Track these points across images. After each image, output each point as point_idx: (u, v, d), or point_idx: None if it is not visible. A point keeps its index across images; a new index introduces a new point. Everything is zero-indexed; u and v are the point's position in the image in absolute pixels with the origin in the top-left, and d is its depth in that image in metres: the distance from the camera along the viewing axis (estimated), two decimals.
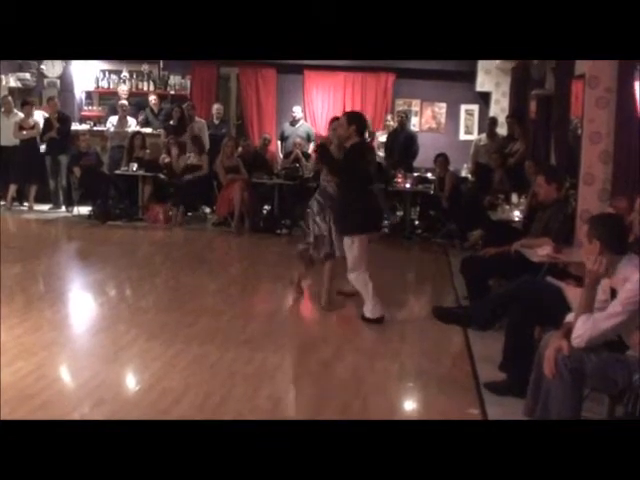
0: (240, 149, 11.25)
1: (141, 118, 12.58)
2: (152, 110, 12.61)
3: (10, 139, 11.62)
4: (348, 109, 13.35)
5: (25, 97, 12.74)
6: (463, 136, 13.26)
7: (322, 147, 6.26)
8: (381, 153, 12.13)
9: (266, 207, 11.24)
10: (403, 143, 11.59)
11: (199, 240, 9.96)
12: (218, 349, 5.12)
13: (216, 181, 10.89)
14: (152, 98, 12.64)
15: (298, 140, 11.85)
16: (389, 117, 12.59)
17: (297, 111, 12.40)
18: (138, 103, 12.96)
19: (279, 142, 12.68)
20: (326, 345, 5.42)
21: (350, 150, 6.02)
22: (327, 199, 6.36)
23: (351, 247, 6.06)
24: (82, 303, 6.60)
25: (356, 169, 6.00)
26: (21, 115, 11.77)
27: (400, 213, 11.09)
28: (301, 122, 12.49)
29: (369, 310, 6.09)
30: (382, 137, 12.30)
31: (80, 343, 5.34)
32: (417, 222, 10.85)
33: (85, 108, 13.61)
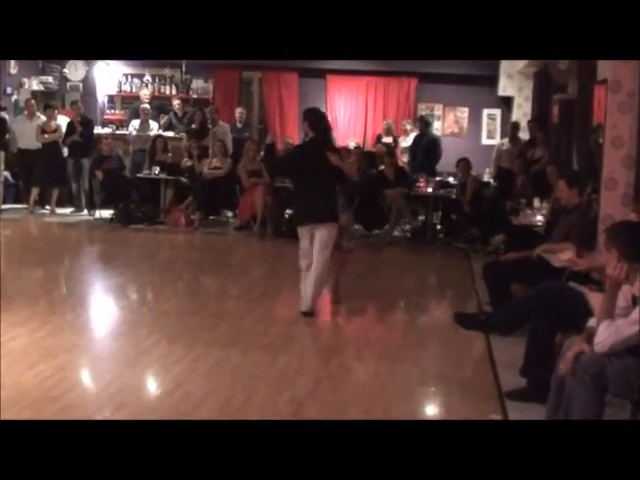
0: (262, 153, 11.25)
1: (164, 121, 12.69)
2: (176, 114, 12.70)
3: (33, 142, 11.71)
4: (370, 114, 13.42)
5: (48, 100, 12.88)
6: (485, 140, 13.23)
7: (268, 146, 6.60)
8: (405, 158, 12.16)
9: (289, 211, 11.27)
10: (426, 147, 11.60)
11: (221, 244, 10.01)
12: (239, 353, 5.14)
13: (238, 185, 10.93)
14: (176, 102, 12.73)
15: None
16: (408, 122, 12.58)
17: None
18: (160, 107, 13.07)
19: None
20: (347, 349, 5.43)
21: (296, 147, 6.81)
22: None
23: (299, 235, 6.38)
24: (104, 307, 6.66)
25: (298, 163, 6.37)
26: (44, 118, 11.86)
27: (422, 217, 11.07)
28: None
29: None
30: (405, 142, 12.32)
31: (101, 347, 5.39)
32: (439, 226, 10.82)
33: (108, 112, 13.75)
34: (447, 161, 11.45)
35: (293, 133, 13.16)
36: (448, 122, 13.45)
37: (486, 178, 11.54)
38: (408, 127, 12.43)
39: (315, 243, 6.22)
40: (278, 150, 11.68)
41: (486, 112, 13.24)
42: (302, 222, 6.38)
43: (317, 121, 6.47)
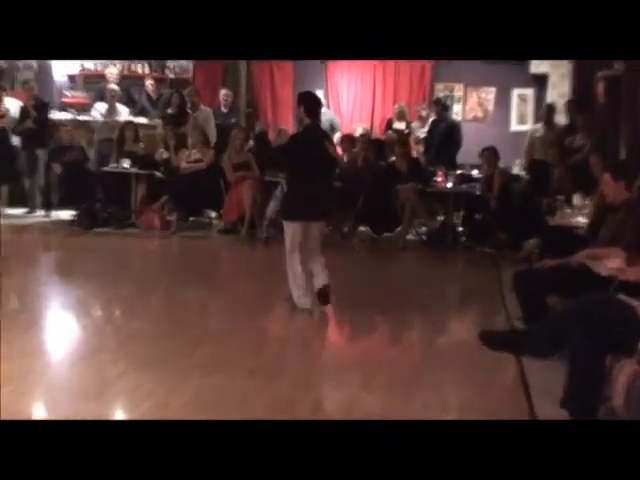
0: (251, 142, 11.23)
1: (134, 106, 12.66)
2: (148, 96, 12.69)
3: None
4: (379, 96, 13.41)
5: None
6: (515, 126, 13.25)
7: (260, 134, 6.85)
8: (420, 148, 12.15)
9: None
10: (444, 135, 11.60)
11: (202, 250, 9.97)
12: (224, 381, 5.08)
13: (223, 180, 10.90)
14: (148, 82, 12.72)
15: None
16: (423, 107, 12.56)
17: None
18: (130, 88, 13.04)
19: None
20: (353, 374, 5.36)
21: (294, 135, 7.19)
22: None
23: (285, 231, 6.85)
24: (62, 326, 6.60)
25: (296, 154, 6.73)
26: None
27: (440, 218, 11.05)
28: (323, 110, 12.41)
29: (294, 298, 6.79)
30: (420, 129, 12.30)
31: (58, 374, 5.32)
32: (460, 228, 10.81)
33: (67, 94, 13.73)
34: (470, 151, 11.44)
35: (287, 119, 13.17)
36: (471, 105, 13.45)
37: (516, 170, 11.53)
38: (423, 113, 12.42)
39: (309, 239, 6.75)
40: (270, 139, 11.66)
41: (516, 92, 13.26)
42: (298, 217, 6.73)
43: (314, 106, 6.79)
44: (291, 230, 6.77)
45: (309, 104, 6.77)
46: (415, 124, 12.50)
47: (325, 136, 7.17)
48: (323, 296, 6.87)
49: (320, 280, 6.87)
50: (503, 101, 13.30)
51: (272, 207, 9.97)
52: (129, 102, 12.77)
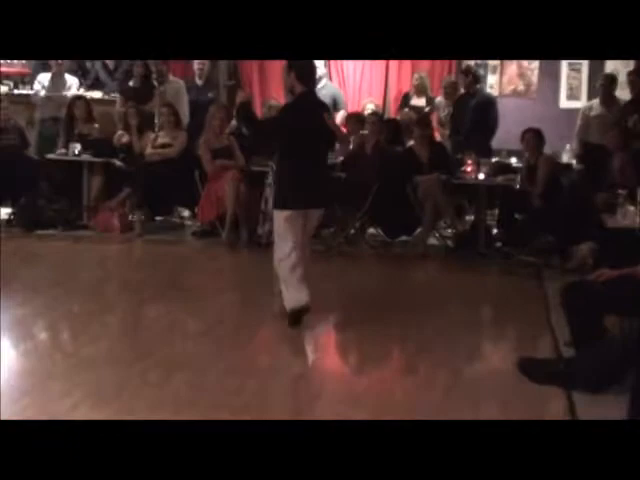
0: (233, 123, 11.25)
1: (87, 76, 12.72)
2: (105, 65, 12.73)
3: None
4: (393, 65, 13.46)
5: None
6: (565, 103, 13.30)
7: (242, 105, 7.33)
8: (446, 130, 12.17)
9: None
10: (475, 113, 11.59)
11: (174, 257, 10.01)
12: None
13: (199, 170, 10.93)
14: None
15: None
16: (451, 79, 12.55)
17: (318, 66, 12.42)
18: None
19: None
20: (359, 410, 5.41)
21: (286, 106, 7.27)
22: None
23: (279, 223, 7.06)
24: None
25: (290, 129, 6.91)
26: None
27: (470, 217, 11.09)
28: (324, 82, 12.56)
29: (285, 299, 7.06)
30: (445, 107, 12.32)
31: None
32: (496, 231, 10.84)
33: (1, 62, 13.75)
34: (507, 133, 11.49)
35: (278, 93, 13.19)
36: (509, 76, 13.50)
37: (566, 158, 11.57)
38: (448, 90, 12.37)
39: (307, 228, 7.10)
40: (255, 113, 11.72)
41: (566, 61, 13.26)
42: (297, 205, 6.92)
43: (307, 70, 7.04)
44: (288, 223, 6.93)
45: (300, 68, 6.94)
46: (440, 100, 12.54)
47: (322, 106, 7.36)
48: (295, 318, 7.05)
49: (300, 295, 7.04)
50: (550, 71, 13.34)
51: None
52: (80, 72, 12.82)
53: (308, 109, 6.99)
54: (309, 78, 7.08)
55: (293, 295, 7.02)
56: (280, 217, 6.99)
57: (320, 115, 7.05)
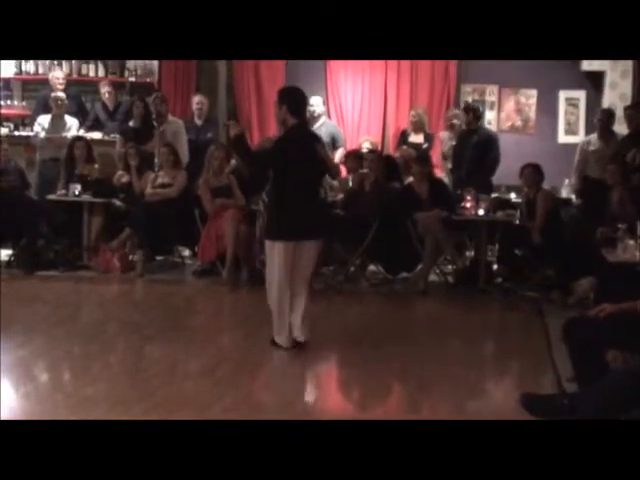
0: (233, 162, 11.27)
1: (86, 117, 12.76)
2: (104, 105, 12.78)
3: None
4: (391, 101, 13.50)
5: None
6: (563, 138, 13.33)
7: (237, 137, 7.33)
8: (448, 165, 12.18)
9: None
10: (476, 151, 11.58)
11: (174, 297, 9.99)
12: None
13: (199, 209, 10.95)
14: (105, 89, 12.81)
15: None
16: (455, 111, 12.59)
17: (316, 104, 12.51)
18: (81, 96, 13.14)
19: None
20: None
21: (279, 138, 7.41)
22: None
23: (269, 253, 7.32)
24: None
25: (283, 160, 7.13)
26: None
27: (470, 253, 11.08)
28: (322, 120, 12.61)
29: (274, 330, 7.41)
30: (448, 141, 12.34)
31: None
32: (496, 267, 10.84)
33: (1, 103, 13.81)
34: (506, 169, 11.50)
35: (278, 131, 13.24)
36: (507, 111, 13.55)
37: (565, 193, 11.59)
38: (456, 121, 12.41)
39: (301, 261, 7.25)
40: (249, 145, 11.76)
41: (564, 95, 13.34)
42: (287, 236, 7.11)
43: (299, 103, 7.30)
44: (279, 253, 7.12)
45: (292, 101, 7.18)
46: (444, 134, 12.58)
47: (314, 137, 7.57)
48: (274, 344, 7.35)
49: (297, 332, 7.29)
50: (548, 106, 13.39)
51: None
52: (79, 113, 12.86)
53: (300, 141, 7.16)
54: (301, 111, 7.30)
55: (275, 327, 7.40)
56: (270, 247, 7.20)
57: (312, 146, 7.23)
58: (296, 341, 7.41)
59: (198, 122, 12.43)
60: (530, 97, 13.45)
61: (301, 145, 7.15)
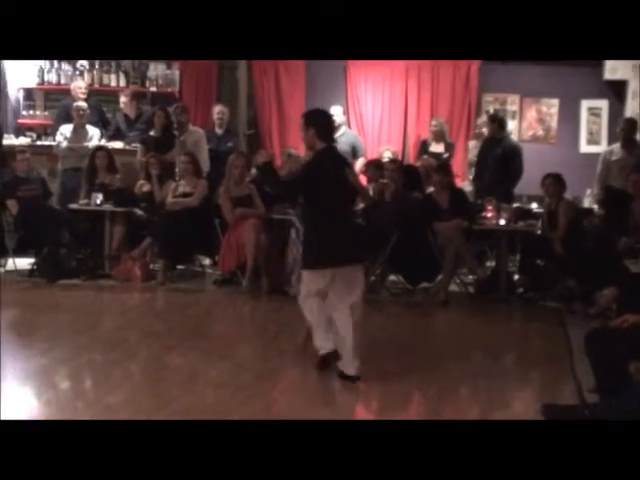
0: (253, 171, 11.31)
1: (108, 127, 12.82)
2: (126, 116, 12.83)
3: None
4: (412, 110, 13.50)
5: None
6: (585, 147, 13.30)
7: (265, 165, 7.16)
8: (471, 175, 12.17)
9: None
10: (499, 162, 11.57)
11: (195, 306, 10.00)
12: None
13: (219, 219, 10.97)
14: (125, 99, 12.86)
15: None
16: (482, 119, 12.59)
17: (337, 113, 12.54)
18: (102, 105, 13.20)
19: None
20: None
21: (308, 164, 7.22)
22: None
23: (305, 280, 7.20)
24: (20, 400, 6.65)
25: (314, 187, 6.96)
26: None
27: (491, 264, 11.06)
28: (343, 129, 12.64)
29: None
30: (474, 153, 12.33)
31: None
32: (517, 277, 10.82)
33: (24, 113, 13.89)
34: (528, 179, 11.48)
35: (298, 141, 13.24)
36: (528, 121, 13.53)
37: (587, 203, 11.56)
38: (484, 129, 12.41)
39: (343, 287, 7.01)
40: (277, 170, 11.76)
41: (586, 105, 13.30)
42: (325, 265, 6.97)
43: (327, 126, 7.13)
44: (315, 280, 7.07)
45: (320, 125, 7.01)
46: (472, 143, 12.60)
47: (344, 161, 7.43)
48: (321, 363, 7.16)
49: (347, 365, 7.05)
50: (570, 116, 13.36)
51: (294, 254, 10.04)
52: (101, 123, 12.93)
53: (330, 166, 7.01)
54: (329, 134, 7.11)
55: (317, 341, 7.18)
56: (308, 276, 7.14)
57: (343, 171, 7.11)
58: (345, 375, 7.03)
59: (219, 131, 12.47)
60: (552, 106, 13.43)
61: (332, 170, 7.00)
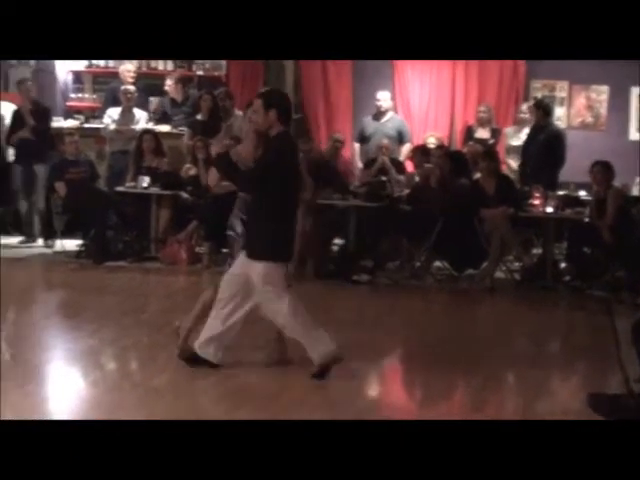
0: (300, 156, 11.35)
1: (154, 110, 12.87)
2: (173, 99, 12.87)
3: None
4: (459, 97, 13.44)
5: None
6: (635, 135, 13.17)
7: (220, 157, 6.85)
8: (513, 162, 12.10)
9: (338, 241, 11.30)
10: (542, 148, 11.51)
11: None
12: None
13: None
14: (170, 82, 12.90)
15: (385, 142, 11.96)
16: (524, 107, 12.53)
17: (384, 99, 12.52)
18: (150, 88, 13.25)
19: (357, 145, 12.79)
20: None
21: (268, 150, 6.47)
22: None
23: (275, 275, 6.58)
24: (67, 381, 6.71)
25: (274, 175, 6.41)
26: None
27: (538, 251, 11.01)
28: (390, 115, 12.62)
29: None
30: (514, 138, 12.26)
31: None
32: (564, 265, 10.77)
33: (72, 96, 13.98)
34: (576, 166, 11.39)
35: (344, 126, 13.27)
36: (577, 108, 13.43)
37: (636, 191, 11.47)
38: (525, 115, 12.35)
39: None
40: (323, 154, 11.80)
41: (636, 92, 13.17)
42: (289, 257, 6.80)
43: (289, 110, 6.69)
44: (279, 275, 6.65)
45: (284, 107, 6.53)
46: (510, 129, 12.52)
47: (297, 148, 7.18)
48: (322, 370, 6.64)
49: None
50: (619, 103, 13.24)
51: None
52: (148, 106, 12.98)
53: (291, 152, 6.65)
54: (289, 118, 6.68)
55: (316, 347, 6.61)
56: (280, 270, 6.62)
57: (298, 159, 6.92)
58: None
59: None
60: (601, 93, 13.32)
61: (291, 157, 6.62)
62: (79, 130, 12.57)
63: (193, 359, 6.59)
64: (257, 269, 6.49)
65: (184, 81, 13.18)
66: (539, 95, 13.09)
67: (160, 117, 12.85)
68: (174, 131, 12.56)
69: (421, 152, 11.53)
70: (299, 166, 6.91)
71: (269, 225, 6.51)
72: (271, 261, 6.54)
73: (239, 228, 6.90)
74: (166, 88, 12.96)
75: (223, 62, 13.71)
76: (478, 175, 10.94)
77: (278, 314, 6.62)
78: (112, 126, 12.31)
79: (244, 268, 6.59)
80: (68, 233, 11.44)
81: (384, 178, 11.41)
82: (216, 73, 13.72)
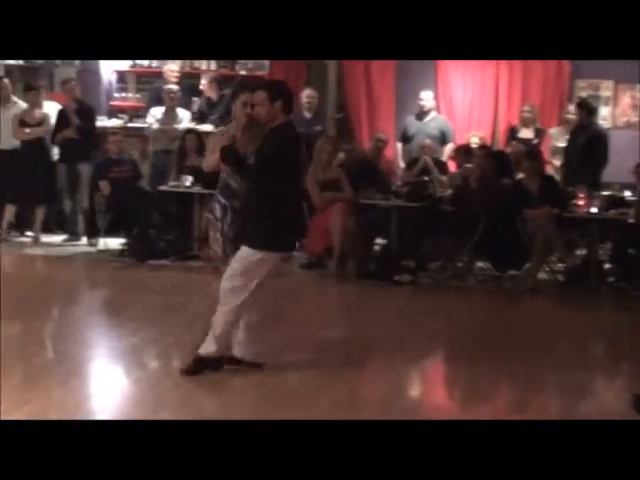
0: (342, 155, 11.36)
1: (196, 109, 12.91)
2: (208, 98, 12.88)
3: (9, 139, 12.05)
4: (503, 97, 13.37)
5: (29, 79, 13.17)
6: None
7: (225, 150, 6.62)
8: (557, 161, 12.03)
9: (380, 241, 11.27)
10: (585, 148, 11.43)
11: (281, 289, 10.01)
12: None
13: (307, 203, 10.97)
14: (205, 81, 12.91)
15: (428, 142, 11.94)
16: (571, 108, 12.44)
17: (427, 98, 12.50)
18: (193, 88, 13.29)
19: (400, 144, 12.76)
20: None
21: (269, 139, 6.41)
22: (231, 198, 6.80)
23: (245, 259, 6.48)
24: (109, 379, 6.76)
25: (277, 165, 6.38)
26: (23, 105, 12.24)
27: (582, 252, 10.93)
28: (432, 115, 12.58)
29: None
30: (560, 139, 12.18)
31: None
32: (608, 265, 10.68)
33: (116, 96, 14.06)
34: (621, 166, 11.29)
35: (387, 126, 13.24)
36: (622, 107, 13.31)
37: None
38: (568, 116, 12.28)
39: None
40: (366, 154, 11.78)
41: None
42: (290, 247, 6.94)
43: (292, 100, 6.72)
44: (264, 266, 6.57)
45: (288, 98, 6.56)
46: (555, 129, 12.44)
47: (301, 139, 7.16)
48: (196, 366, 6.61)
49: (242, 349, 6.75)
50: None
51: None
52: (191, 106, 13.03)
53: (291, 143, 6.61)
54: (292, 107, 6.74)
55: (212, 342, 6.61)
56: (257, 258, 6.49)
57: (302, 147, 6.98)
58: (236, 359, 6.72)
59: (307, 115, 12.46)
60: None
61: (295, 147, 6.64)
62: (123, 129, 12.68)
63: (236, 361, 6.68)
64: (243, 251, 6.49)
65: (219, 80, 13.18)
66: (584, 94, 12.98)
67: (202, 116, 12.88)
68: (217, 131, 12.57)
69: (464, 152, 11.48)
70: (302, 155, 6.95)
71: (266, 214, 6.46)
72: (263, 250, 6.46)
73: (218, 213, 6.87)
74: (201, 87, 12.99)
75: (266, 62, 13.72)
76: (521, 175, 10.87)
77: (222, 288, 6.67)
78: (155, 125, 12.36)
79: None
80: (111, 232, 11.50)
81: (426, 178, 11.39)
82: (259, 72, 13.72)
